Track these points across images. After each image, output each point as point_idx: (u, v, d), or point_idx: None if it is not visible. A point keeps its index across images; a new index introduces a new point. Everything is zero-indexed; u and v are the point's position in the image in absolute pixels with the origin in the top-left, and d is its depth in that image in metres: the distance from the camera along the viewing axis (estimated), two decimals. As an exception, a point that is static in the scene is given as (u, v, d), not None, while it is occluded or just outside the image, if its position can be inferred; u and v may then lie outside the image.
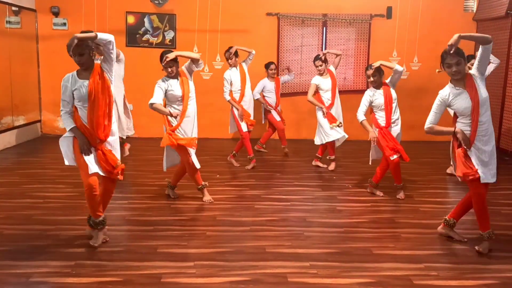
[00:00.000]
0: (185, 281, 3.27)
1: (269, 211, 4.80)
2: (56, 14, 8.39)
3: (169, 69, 4.66)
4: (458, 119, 3.80)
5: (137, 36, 8.48)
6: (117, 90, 6.23)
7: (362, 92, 8.40)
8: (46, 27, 8.45)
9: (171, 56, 4.60)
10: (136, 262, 3.52)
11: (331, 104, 6.33)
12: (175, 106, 4.73)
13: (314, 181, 6.10)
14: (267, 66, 7.22)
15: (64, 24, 8.44)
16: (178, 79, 4.74)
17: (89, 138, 3.69)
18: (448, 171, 6.31)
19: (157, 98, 4.59)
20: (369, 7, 8.54)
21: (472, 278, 3.38)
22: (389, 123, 5.10)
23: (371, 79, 5.13)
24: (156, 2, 8.37)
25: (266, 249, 3.81)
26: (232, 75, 6.39)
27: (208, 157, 6.92)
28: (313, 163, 6.75)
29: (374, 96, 5.16)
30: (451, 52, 3.57)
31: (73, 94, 3.65)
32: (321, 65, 6.34)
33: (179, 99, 4.70)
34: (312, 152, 7.54)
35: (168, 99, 4.73)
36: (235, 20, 8.41)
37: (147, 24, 8.48)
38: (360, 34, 8.64)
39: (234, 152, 6.72)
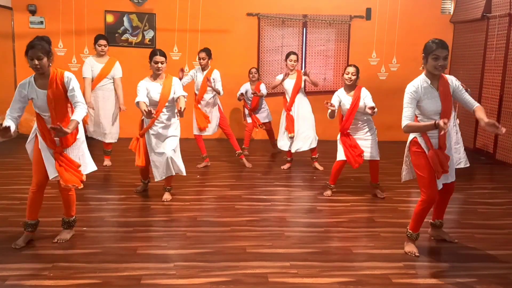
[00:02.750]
0: (165, 282, 3.24)
1: (249, 211, 4.80)
2: (33, 13, 8.24)
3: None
4: (419, 119, 3.62)
5: (116, 35, 8.39)
6: None
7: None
8: (23, 26, 8.29)
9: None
10: (115, 264, 3.48)
11: (290, 106, 6.24)
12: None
13: (294, 181, 6.12)
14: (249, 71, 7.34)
15: (41, 22, 8.29)
16: (161, 84, 4.77)
17: (48, 142, 3.64)
18: None
19: (141, 97, 4.66)
20: (349, 8, 8.61)
21: (450, 276, 3.43)
22: (345, 124, 5.15)
23: (351, 76, 5.12)
24: (135, 1, 8.29)
25: (246, 250, 3.81)
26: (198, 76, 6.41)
27: (188, 157, 6.87)
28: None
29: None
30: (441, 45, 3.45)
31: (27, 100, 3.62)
32: (296, 61, 6.19)
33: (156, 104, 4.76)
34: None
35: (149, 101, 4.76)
36: (215, 20, 8.39)
37: (126, 24, 8.39)
38: (339, 35, 8.71)
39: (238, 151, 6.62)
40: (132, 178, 5.84)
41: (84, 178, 3.80)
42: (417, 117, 3.65)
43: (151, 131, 4.78)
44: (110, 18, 8.35)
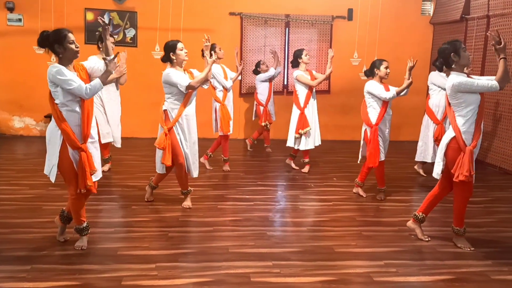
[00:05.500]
0: (147, 283, 3.21)
1: (232, 211, 4.79)
2: (11, 10, 8.07)
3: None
4: (457, 113, 3.78)
5: (97, 33, 8.27)
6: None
7: (324, 92, 8.63)
8: (0, 23, 8.13)
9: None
10: (95, 265, 3.44)
11: (305, 106, 6.12)
12: (174, 101, 4.58)
13: (277, 180, 6.13)
14: (257, 64, 7.60)
15: (20, 20, 8.14)
16: (186, 73, 4.65)
17: (71, 142, 3.47)
18: (417, 167, 6.50)
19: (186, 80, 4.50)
20: (331, 8, 8.66)
21: (429, 274, 3.48)
22: (380, 120, 5.01)
23: (389, 70, 5.05)
24: (116, -1, 8.20)
25: (229, 249, 3.80)
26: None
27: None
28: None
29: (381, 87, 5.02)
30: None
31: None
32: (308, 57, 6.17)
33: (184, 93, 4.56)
34: (276, 151, 7.59)
35: (172, 91, 4.55)
36: (197, 19, 8.34)
37: (107, 22, 8.28)
38: (322, 35, 8.75)
39: (210, 153, 6.53)
40: (115, 178, 5.78)
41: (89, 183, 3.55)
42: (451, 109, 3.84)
43: (178, 125, 4.59)
44: (90, 16, 8.24)
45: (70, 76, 3.38)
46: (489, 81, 3.70)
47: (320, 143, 6.32)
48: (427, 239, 4.09)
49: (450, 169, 3.87)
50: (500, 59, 3.66)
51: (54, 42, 3.45)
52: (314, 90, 6.20)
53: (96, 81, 3.46)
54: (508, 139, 6.76)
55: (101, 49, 5.77)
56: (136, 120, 8.34)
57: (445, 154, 3.90)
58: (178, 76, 4.48)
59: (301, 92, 6.14)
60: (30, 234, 3.98)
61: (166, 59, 4.65)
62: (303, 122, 6.11)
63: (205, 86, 4.79)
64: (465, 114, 3.75)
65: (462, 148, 3.77)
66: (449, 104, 3.86)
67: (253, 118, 7.84)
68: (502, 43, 3.63)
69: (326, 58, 8.65)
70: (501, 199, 5.51)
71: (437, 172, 4.03)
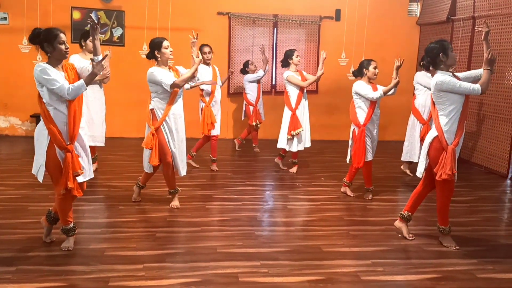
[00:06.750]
0: (134, 284, 3.19)
1: (220, 211, 4.78)
2: (-4, 8, 7.99)
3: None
4: (441, 112, 3.82)
5: (83, 32, 8.18)
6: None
7: (312, 93, 8.65)
8: (-15, 21, 8.03)
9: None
10: (81, 266, 3.41)
11: (297, 105, 6.09)
12: (160, 100, 4.55)
13: (265, 180, 6.13)
14: (245, 64, 7.62)
15: (5, 18, 8.03)
16: (171, 71, 4.62)
17: (58, 142, 3.44)
18: (403, 167, 6.54)
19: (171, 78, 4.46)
20: (319, 9, 8.68)
21: (416, 273, 3.51)
22: (368, 120, 5.02)
23: (377, 70, 5.06)
24: (103, -2, 8.14)
25: (217, 249, 3.79)
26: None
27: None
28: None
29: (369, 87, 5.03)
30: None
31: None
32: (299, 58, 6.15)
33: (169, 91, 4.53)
34: (264, 151, 7.59)
35: (157, 90, 4.52)
36: (185, 18, 8.31)
37: (96, 21, 8.20)
38: (310, 35, 8.78)
39: (193, 152, 6.50)
40: (101, 178, 5.73)
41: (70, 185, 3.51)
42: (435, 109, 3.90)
43: (165, 124, 4.57)
44: (76, 15, 8.16)
45: (54, 75, 3.34)
46: (472, 84, 3.77)
47: (309, 145, 6.33)
48: (411, 238, 4.12)
49: (433, 168, 3.91)
50: (485, 69, 3.74)
51: (44, 40, 3.42)
52: (305, 91, 6.20)
53: (80, 82, 3.41)
54: (492, 139, 6.84)
55: (83, 47, 5.72)
56: (123, 119, 8.29)
57: (428, 153, 3.94)
58: (163, 75, 4.45)
59: (292, 93, 6.12)
60: (15, 235, 3.93)
61: (151, 56, 4.62)
62: (295, 123, 6.08)
63: (191, 84, 4.80)
64: (448, 113, 3.80)
65: (444, 147, 3.81)
66: (433, 103, 3.90)
67: (243, 118, 7.85)
68: (490, 56, 3.71)
69: (314, 58, 8.73)
70: (486, 198, 5.59)
71: (420, 171, 4.07)
